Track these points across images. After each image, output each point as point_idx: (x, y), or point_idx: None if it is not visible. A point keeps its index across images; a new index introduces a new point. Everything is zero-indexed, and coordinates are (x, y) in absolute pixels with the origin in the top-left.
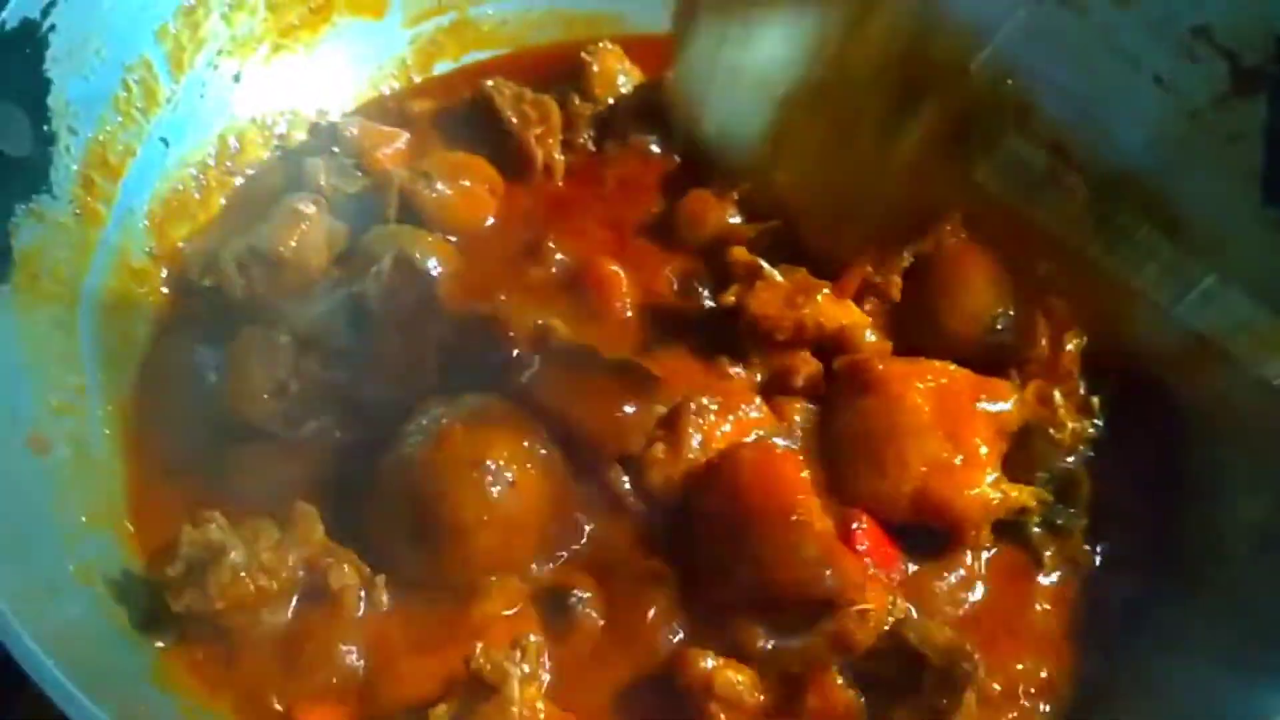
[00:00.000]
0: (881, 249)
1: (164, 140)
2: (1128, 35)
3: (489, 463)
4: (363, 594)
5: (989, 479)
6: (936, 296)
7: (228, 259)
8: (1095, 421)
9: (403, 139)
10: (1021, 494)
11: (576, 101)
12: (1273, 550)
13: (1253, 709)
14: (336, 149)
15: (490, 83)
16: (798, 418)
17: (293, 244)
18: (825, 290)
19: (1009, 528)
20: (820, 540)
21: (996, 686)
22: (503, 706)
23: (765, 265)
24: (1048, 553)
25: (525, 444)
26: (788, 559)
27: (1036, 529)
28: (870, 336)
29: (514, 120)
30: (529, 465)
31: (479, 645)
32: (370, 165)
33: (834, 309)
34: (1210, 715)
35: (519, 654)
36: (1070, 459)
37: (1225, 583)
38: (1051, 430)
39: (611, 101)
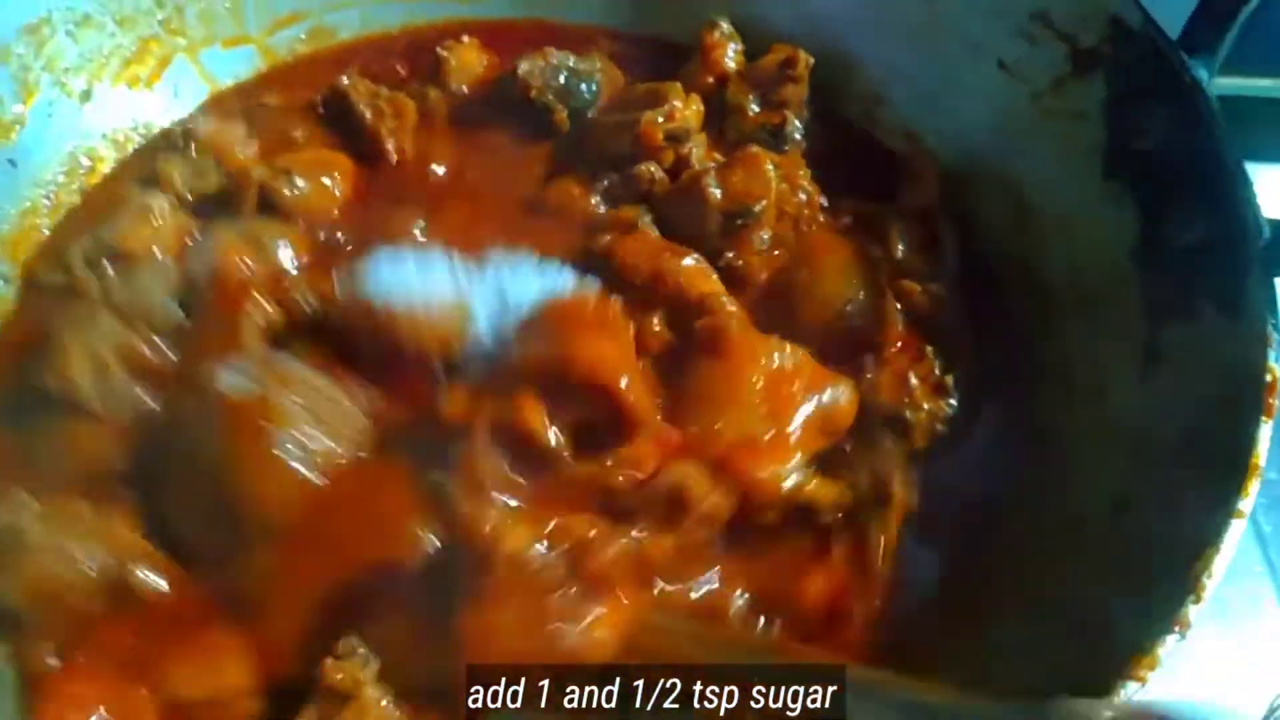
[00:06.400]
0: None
1: (11, 162)
2: (970, 22)
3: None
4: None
5: (791, 463)
6: (789, 284)
7: (75, 255)
8: (950, 401)
9: (258, 135)
10: (820, 488)
11: (433, 95)
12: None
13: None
14: (193, 150)
15: (345, 79)
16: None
17: (143, 236)
18: (691, 258)
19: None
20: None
21: None
22: (360, 712)
23: (645, 220)
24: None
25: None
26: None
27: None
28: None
29: (368, 116)
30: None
31: (329, 659)
32: (229, 164)
33: (696, 277)
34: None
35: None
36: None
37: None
38: (908, 413)
39: (467, 91)
